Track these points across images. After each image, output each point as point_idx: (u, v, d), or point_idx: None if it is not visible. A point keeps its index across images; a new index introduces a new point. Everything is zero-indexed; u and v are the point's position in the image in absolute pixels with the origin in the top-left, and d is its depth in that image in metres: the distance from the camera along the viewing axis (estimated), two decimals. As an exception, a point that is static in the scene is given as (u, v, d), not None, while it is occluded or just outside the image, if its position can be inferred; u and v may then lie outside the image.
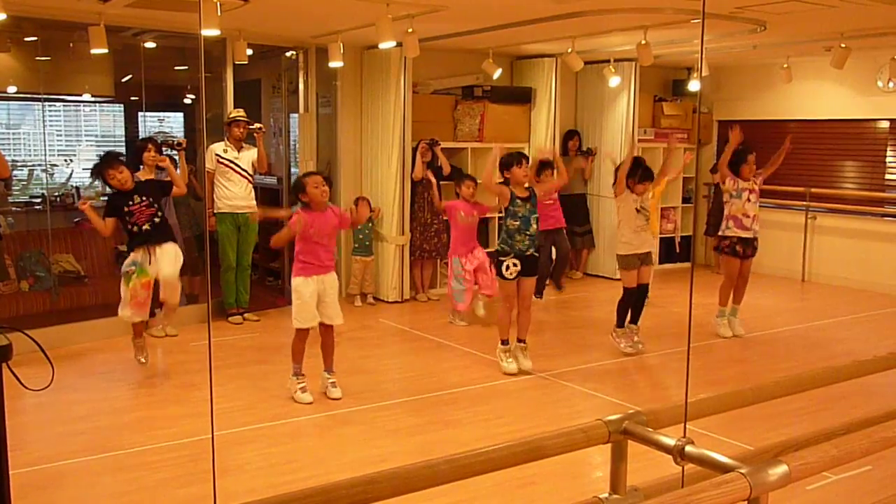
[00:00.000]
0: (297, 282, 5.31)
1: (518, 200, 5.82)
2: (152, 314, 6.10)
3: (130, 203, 5.77)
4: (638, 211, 6.40)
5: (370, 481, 1.76)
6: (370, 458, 4.45)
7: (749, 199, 6.94)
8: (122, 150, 9.47)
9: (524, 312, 6.03)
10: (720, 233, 7.10)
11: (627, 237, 6.41)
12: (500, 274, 5.90)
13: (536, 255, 5.95)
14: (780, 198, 9.84)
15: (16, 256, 7.14)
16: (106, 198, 6.43)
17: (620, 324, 6.49)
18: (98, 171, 5.84)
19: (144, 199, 5.82)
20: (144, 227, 5.78)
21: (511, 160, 5.89)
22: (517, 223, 5.82)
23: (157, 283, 5.84)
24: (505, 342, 6.00)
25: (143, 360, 5.95)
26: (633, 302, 6.53)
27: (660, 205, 8.07)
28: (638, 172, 6.46)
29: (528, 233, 5.83)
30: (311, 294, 5.27)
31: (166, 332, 6.88)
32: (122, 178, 5.77)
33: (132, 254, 5.82)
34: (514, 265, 5.82)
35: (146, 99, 8.18)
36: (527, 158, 6.01)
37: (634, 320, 6.59)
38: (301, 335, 5.36)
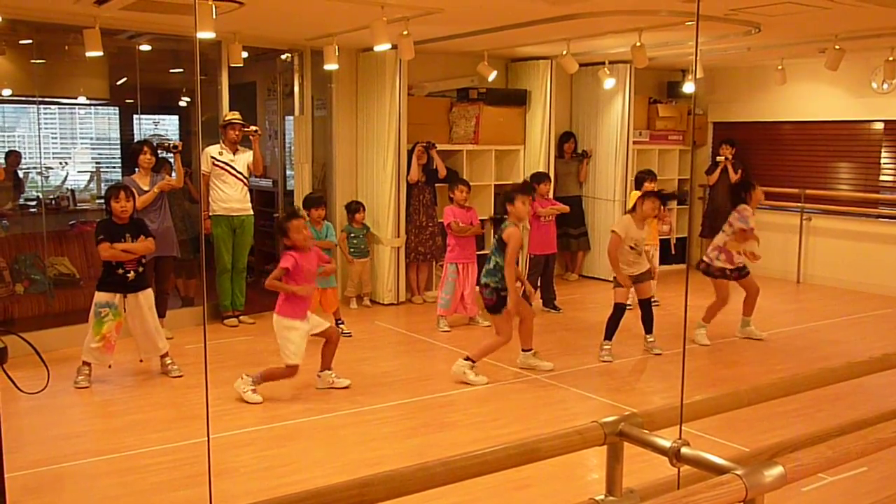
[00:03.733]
0: (285, 322, 5.41)
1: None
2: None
3: (122, 241, 5.70)
4: (632, 248, 6.44)
5: (365, 484, 1.76)
6: (366, 461, 4.45)
7: (723, 231, 6.93)
8: (118, 153, 9.49)
9: (529, 327, 6.14)
10: (707, 259, 6.99)
11: (620, 266, 6.45)
12: (503, 308, 5.79)
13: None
14: (775, 199, 9.84)
15: (11, 259, 7.12)
16: (101, 201, 6.40)
17: (608, 336, 6.49)
18: (108, 192, 5.84)
19: (135, 241, 5.75)
20: (129, 274, 5.71)
21: (512, 197, 5.93)
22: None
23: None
24: (474, 362, 5.92)
25: (84, 384, 5.68)
26: (641, 316, 6.63)
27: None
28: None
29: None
30: (302, 335, 5.41)
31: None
32: (126, 207, 5.72)
33: (106, 294, 5.69)
34: None
35: (141, 102, 8.17)
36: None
37: (649, 330, 6.66)
38: (293, 369, 5.42)
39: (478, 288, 6.11)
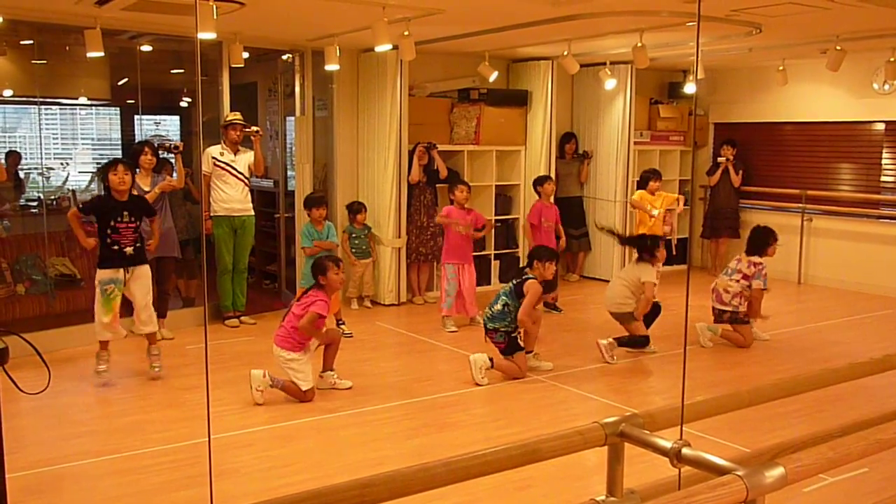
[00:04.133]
0: (285, 355, 5.43)
1: None
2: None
3: (119, 219, 5.67)
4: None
5: (367, 484, 1.76)
6: (367, 462, 4.45)
7: (738, 281, 6.84)
8: (119, 153, 9.49)
9: (535, 331, 6.23)
10: (731, 308, 6.83)
11: (629, 297, 6.54)
12: (515, 349, 5.99)
13: None
14: (776, 200, 9.85)
15: (12, 260, 7.13)
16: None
17: (620, 344, 6.47)
18: (105, 167, 5.80)
19: (133, 219, 5.73)
20: (127, 250, 5.69)
21: (541, 257, 6.11)
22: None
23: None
24: (492, 366, 5.96)
25: (103, 368, 5.73)
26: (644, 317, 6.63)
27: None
28: (646, 246, 6.63)
29: None
30: (306, 361, 5.46)
31: (163, 336, 6.80)
32: (125, 180, 5.66)
33: (109, 271, 5.67)
34: None
35: (142, 102, 8.18)
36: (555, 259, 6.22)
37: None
38: (311, 393, 5.45)
39: (485, 335, 6.15)
